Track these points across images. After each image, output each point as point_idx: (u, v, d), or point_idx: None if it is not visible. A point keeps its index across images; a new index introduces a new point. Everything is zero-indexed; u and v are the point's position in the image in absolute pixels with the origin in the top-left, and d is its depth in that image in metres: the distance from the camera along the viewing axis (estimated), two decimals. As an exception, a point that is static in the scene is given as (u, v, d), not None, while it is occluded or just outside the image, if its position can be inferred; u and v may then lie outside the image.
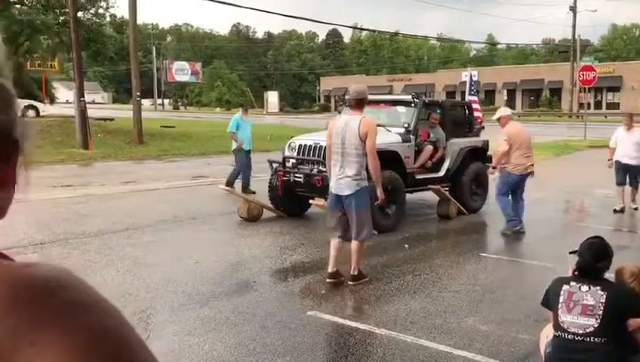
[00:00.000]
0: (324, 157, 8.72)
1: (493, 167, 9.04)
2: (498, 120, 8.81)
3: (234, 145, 12.10)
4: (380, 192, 6.26)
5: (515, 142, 8.47)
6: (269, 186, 9.65)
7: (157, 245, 7.81)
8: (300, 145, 9.25)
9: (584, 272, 3.40)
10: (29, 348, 0.54)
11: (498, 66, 74.75)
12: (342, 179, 6.05)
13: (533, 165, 8.78)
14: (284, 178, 9.19)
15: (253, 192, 10.68)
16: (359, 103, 6.15)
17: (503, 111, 9.14)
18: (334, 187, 6.16)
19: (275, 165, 9.55)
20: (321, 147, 8.86)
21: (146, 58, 73.99)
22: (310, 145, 9.11)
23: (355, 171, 5.99)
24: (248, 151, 12.06)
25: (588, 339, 3.22)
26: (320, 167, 8.72)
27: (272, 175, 9.61)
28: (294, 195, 9.31)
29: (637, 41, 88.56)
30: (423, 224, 9.33)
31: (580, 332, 3.25)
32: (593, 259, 3.38)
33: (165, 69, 74.85)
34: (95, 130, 22.96)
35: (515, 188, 8.71)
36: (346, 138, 5.97)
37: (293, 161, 9.24)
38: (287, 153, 9.44)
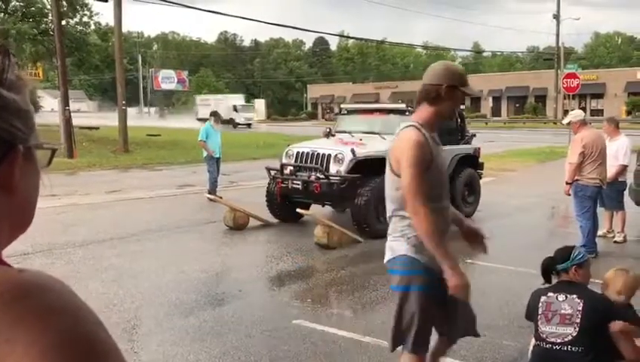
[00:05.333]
0: (321, 164, 8.90)
1: (568, 183, 7.40)
2: (568, 124, 7.70)
3: (205, 153, 12.21)
4: (449, 274, 2.96)
5: (591, 152, 7.18)
6: (266, 193, 9.76)
7: (142, 255, 7.76)
8: (298, 153, 9.42)
9: (544, 272, 3.49)
10: (4, 345, 0.57)
11: (484, 74, 75.36)
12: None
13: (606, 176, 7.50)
14: (282, 185, 9.27)
15: (220, 197, 10.70)
16: (425, 98, 3.19)
17: (575, 115, 7.69)
18: None
19: (273, 172, 9.64)
20: (318, 154, 9.04)
21: (132, 66, 73.77)
22: (308, 153, 9.28)
23: (392, 225, 3.20)
24: (218, 159, 12.13)
25: (565, 348, 3.24)
26: (317, 174, 8.85)
27: (269, 182, 9.71)
28: (292, 202, 9.40)
29: (619, 48, 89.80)
30: (409, 231, 9.34)
31: (559, 341, 3.26)
32: (552, 259, 3.49)
33: (151, 77, 74.65)
34: (80, 138, 22.84)
35: (595, 202, 7.42)
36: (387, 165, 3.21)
37: (291, 168, 9.33)
38: (284, 160, 9.57)
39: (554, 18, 52.97)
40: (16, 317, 0.59)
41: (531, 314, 3.50)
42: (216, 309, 5.63)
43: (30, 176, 0.74)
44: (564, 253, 3.50)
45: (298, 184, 9.16)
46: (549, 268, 3.48)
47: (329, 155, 8.94)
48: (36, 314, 0.60)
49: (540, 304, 3.39)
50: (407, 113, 9.91)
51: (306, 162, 9.22)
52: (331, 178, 8.74)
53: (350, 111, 11.10)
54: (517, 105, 62.04)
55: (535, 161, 20.54)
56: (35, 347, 0.58)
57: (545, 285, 3.50)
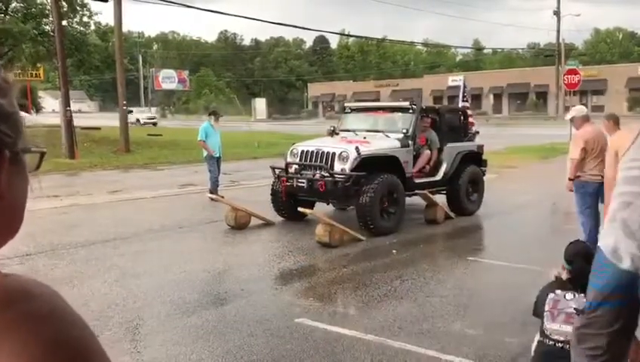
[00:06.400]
0: (326, 163, 8.92)
1: (571, 179, 7.39)
2: (571, 120, 7.71)
3: (205, 153, 12.20)
4: None
5: (592, 149, 7.17)
6: (271, 191, 9.81)
7: (144, 255, 7.78)
8: (303, 151, 9.46)
9: (581, 278, 3.31)
10: None
11: (484, 71, 75.27)
12: None
13: None
14: (287, 183, 9.30)
15: (222, 197, 10.72)
16: None
17: (578, 110, 7.72)
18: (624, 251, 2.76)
19: (277, 171, 9.69)
20: (323, 153, 9.11)
21: (133, 66, 73.79)
22: (312, 151, 9.33)
23: None
24: (218, 158, 12.13)
25: (568, 347, 3.24)
26: (322, 172, 8.93)
27: (274, 181, 9.76)
28: (296, 200, 9.44)
29: (620, 44, 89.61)
30: (410, 229, 9.36)
31: (562, 339, 3.27)
32: (587, 263, 3.36)
33: (152, 77, 74.69)
34: (81, 139, 22.85)
35: (597, 199, 7.25)
36: None
37: (296, 166, 9.38)
38: (289, 159, 9.61)
39: (554, 15, 52.93)
40: (0, 326, 0.58)
41: (538, 310, 3.50)
42: (218, 308, 5.64)
43: (18, 181, 0.72)
44: (590, 253, 3.43)
45: (303, 182, 9.20)
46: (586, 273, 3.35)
47: (333, 153, 8.99)
48: (21, 323, 0.59)
49: (548, 301, 3.40)
50: (410, 111, 9.95)
51: (310, 160, 9.27)
52: (336, 176, 8.79)
53: (354, 110, 11.15)
54: (518, 102, 61.97)
55: (537, 158, 20.53)
56: (22, 356, 0.57)
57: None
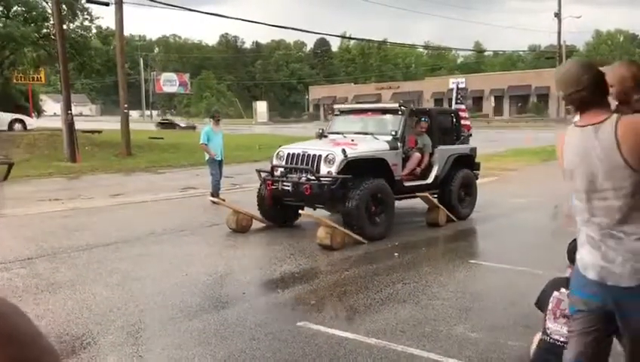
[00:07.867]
0: (312, 165, 8.79)
1: None
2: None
3: (207, 156, 12.18)
4: None
5: None
6: (257, 196, 9.65)
7: (146, 258, 7.77)
8: (289, 154, 9.24)
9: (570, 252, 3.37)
10: None
11: (485, 73, 75.29)
12: (615, 251, 2.58)
13: None
14: (273, 187, 9.15)
15: (223, 200, 10.71)
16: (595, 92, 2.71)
17: None
18: (593, 267, 2.64)
19: (263, 174, 9.54)
20: (309, 155, 8.91)
21: (134, 70, 73.99)
22: (298, 154, 9.08)
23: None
24: (220, 161, 12.11)
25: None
26: (308, 176, 8.76)
27: (260, 184, 9.58)
28: (283, 205, 9.31)
29: (621, 46, 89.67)
30: (412, 232, 9.36)
31: (562, 339, 3.29)
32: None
33: (153, 80, 74.88)
34: (83, 142, 22.87)
35: None
36: (594, 166, 2.69)
37: (282, 169, 9.21)
38: (275, 162, 9.36)
39: (555, 16, 52.94)
40: None
41: (541, 305, 3.50)
42: (220, 312, 5.63)
43: None
44: None
45: (288, 186, 8.96)
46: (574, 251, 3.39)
47: (320, 156, 8.75)
48: None
49: (551, 299, 3.40)
50: (399, 112, 9.83)
51: (296, 163, 9.01)
52: (322, 179, 8.55)
53: (343, 112, 10.95)
54: (519, 104, 62.00)
55: (538, 160, 20.51)
56: None
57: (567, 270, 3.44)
